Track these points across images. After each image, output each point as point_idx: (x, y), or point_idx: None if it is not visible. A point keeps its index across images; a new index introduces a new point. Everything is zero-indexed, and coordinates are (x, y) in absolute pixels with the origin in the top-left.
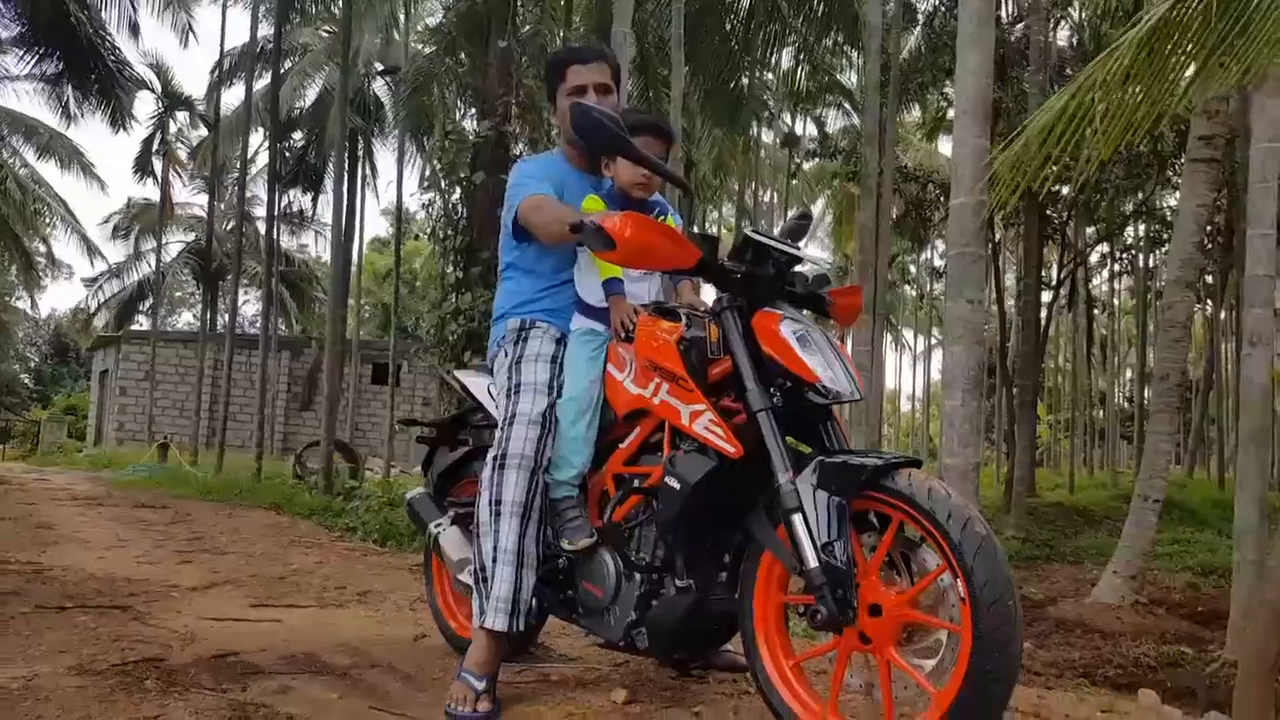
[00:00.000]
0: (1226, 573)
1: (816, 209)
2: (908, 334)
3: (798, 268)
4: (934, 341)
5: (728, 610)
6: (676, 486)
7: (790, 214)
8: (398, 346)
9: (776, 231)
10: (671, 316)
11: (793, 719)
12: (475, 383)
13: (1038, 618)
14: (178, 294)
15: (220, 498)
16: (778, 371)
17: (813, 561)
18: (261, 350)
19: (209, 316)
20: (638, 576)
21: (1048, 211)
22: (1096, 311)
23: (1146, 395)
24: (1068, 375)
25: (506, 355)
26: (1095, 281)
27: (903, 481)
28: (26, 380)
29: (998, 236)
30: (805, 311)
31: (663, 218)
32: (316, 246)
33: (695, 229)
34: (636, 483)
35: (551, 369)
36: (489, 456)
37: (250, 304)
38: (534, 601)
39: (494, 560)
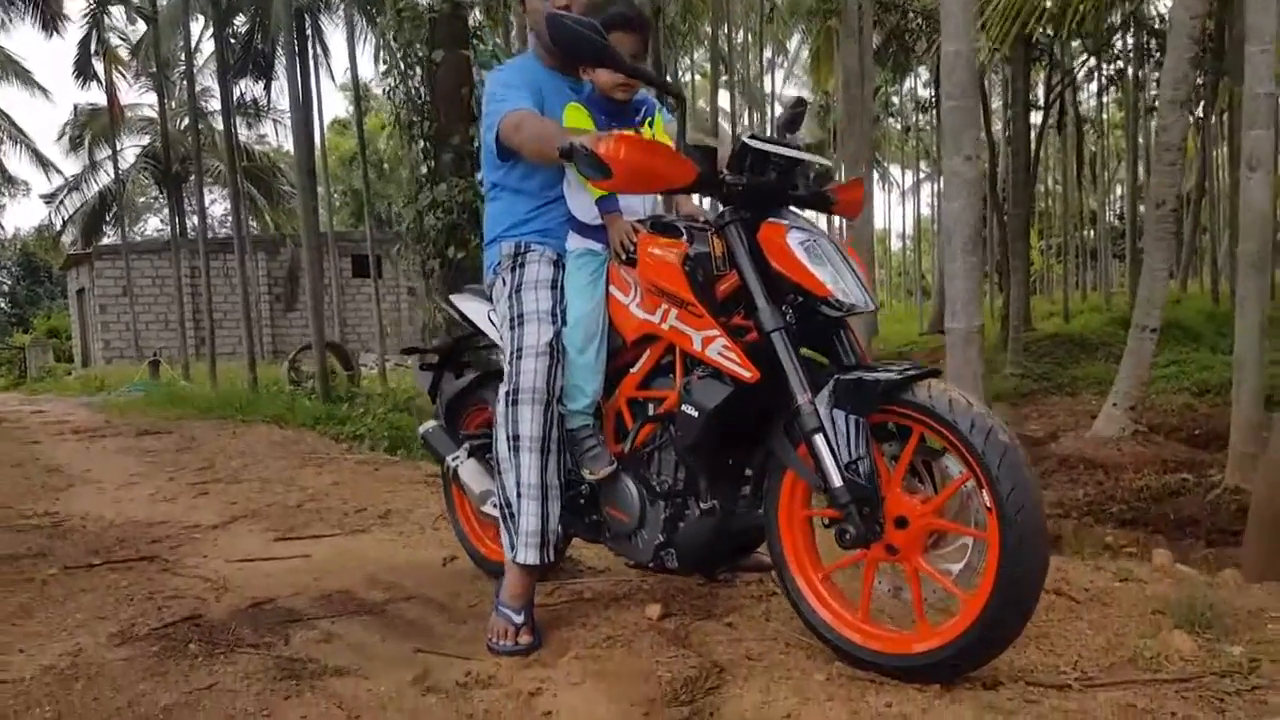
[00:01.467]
0: (1222, 391)
1: (792, 45)
2: (895, 170)
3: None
4: (922, 176)
5: (754, 524)
6: (694, 414)
7: (785, 100)
8: (375, 236)
9: (773, 121)
10: (671, 232)
11: (827, 629)
12: (474, 309)
13: (1040, 456)
14: (140, 200)
15: (221, 415)
16: (788, 286)
17: (837, 480)
18: (238, 253)
19: (176, 222)
20: (662, 500)
21: (1034, 39)
22: (1085, 128)
23: (1139, 212)
24: (1058, 197)
25: (505, 284)
26: (1082, 97)
27: (923, 394)
28: (2, 305)
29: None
30: (809, 213)
31: (650, 118)
32: (277, 136)
33: (669, 77)
34: (652, 408)
35: (553, 295)
36: (501, 392)
37: (218, 204)
38: (561, 529)
39: (518, 495)
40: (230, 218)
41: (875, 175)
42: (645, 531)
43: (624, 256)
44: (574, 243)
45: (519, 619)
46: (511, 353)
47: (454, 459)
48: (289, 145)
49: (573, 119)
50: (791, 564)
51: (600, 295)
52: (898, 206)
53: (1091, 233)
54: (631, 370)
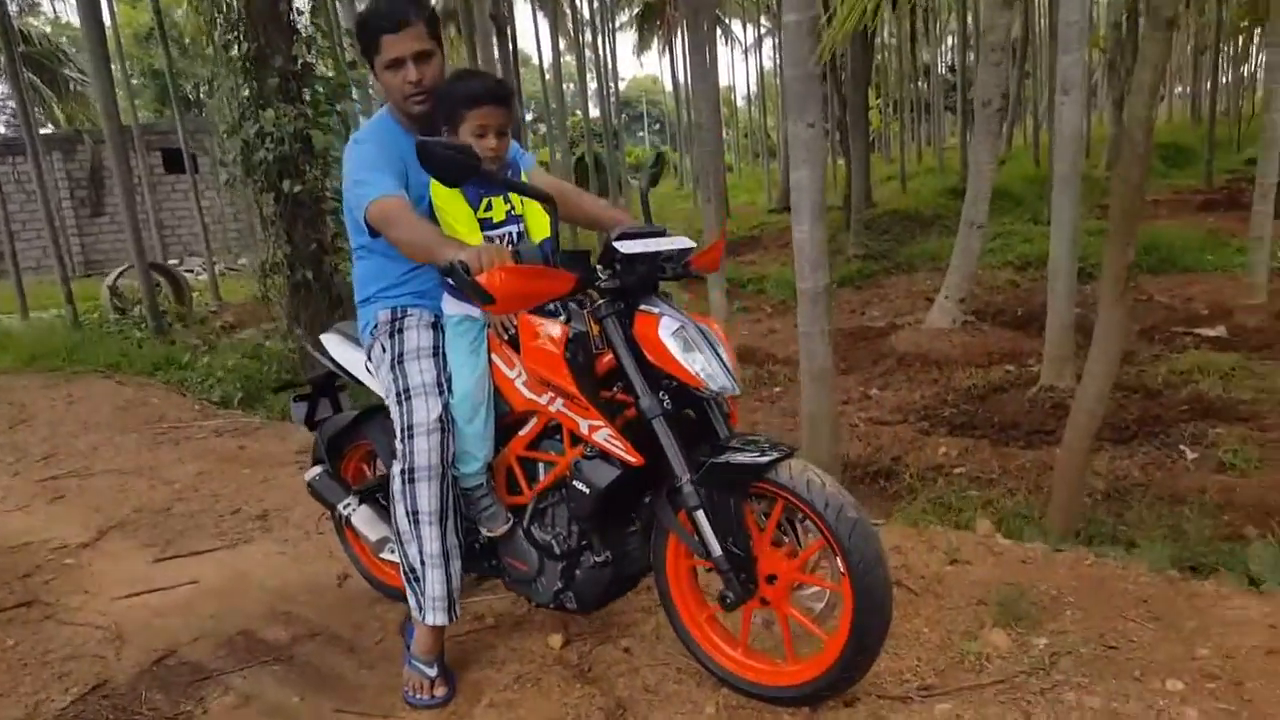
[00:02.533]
0: (1041, 264)
1: None
2: (736, 26)
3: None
4: (763, 30)
5: (644, 563)
6: (586, 491)
7: (645, 161)
8: (187, 126)
9: (638, 184)
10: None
11: (714, 665)
12: (348, 357)
13: (881, 353)
14: None
15: (46, 366)
16: (664, 374)
17: (717, 550)
18: (30, 155)
19: None
20: (558, 554)
21: None
22: None
23: (968, 62)
24: (892, 50)
25: (385, 350)
26: None
27: (785, 475)
28: None
29: None
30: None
31: (519, 174)
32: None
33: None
34: (541, 470)
35: (436, 363)
36: (395, 469)
37: None
38: (462, 577)
39: (422, 564)
40: (19, 115)
41: (718, 31)
42: (544, 579)
43: (504, 337)
44: (450, 307)
45: (432, 672)
46: (402, 429)
47: (345, 507)
48: (71, 19)
49: (443, 194)
50: (680, 610)
51: (483, 364)
52: (741, 64)
53: (925, 85)
54: (520, 433)
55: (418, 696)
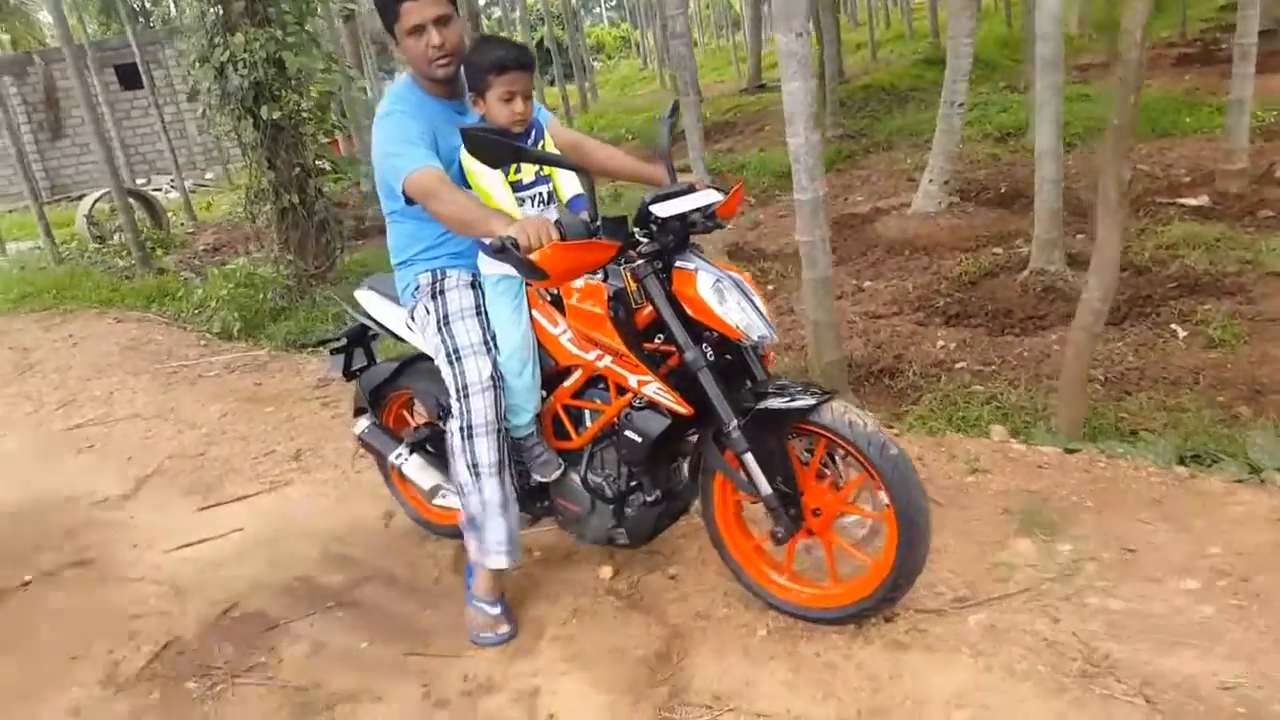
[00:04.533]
0: (1019, 134)
1: None
2: None
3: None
4: None
5: (689, 496)
6: (638, 440)
7: (662, 111)
8: (139, 39)
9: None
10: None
11: (763, 590)
12: (385, 313)
13: (869, 242)
14: None
15: (39, 305)
16: (705, 326)
17: (767, 489)
18: None
19: None
20: (609, 494)
21: None
22: None
23: None
24: None
25: (429, 312)
26: None
27: (827, 416)
28: None
29: None
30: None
31: (540, 139)
32: None
33: None
34: (589, 417)
35: (480, 322)
36: (454, 426)
37: None
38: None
39: (484, 512)
40: None
41: None
42: (596, 518)
43: (546, 297)
44: (487, 267)
45: (495, 610)
46: (457, 389)
47: (398, 457)
48: None
49: (474, 161)
50: (729, 543)
51: (526, 322)
52: None
53: None
54: (564, 384)
55: (484, 635)
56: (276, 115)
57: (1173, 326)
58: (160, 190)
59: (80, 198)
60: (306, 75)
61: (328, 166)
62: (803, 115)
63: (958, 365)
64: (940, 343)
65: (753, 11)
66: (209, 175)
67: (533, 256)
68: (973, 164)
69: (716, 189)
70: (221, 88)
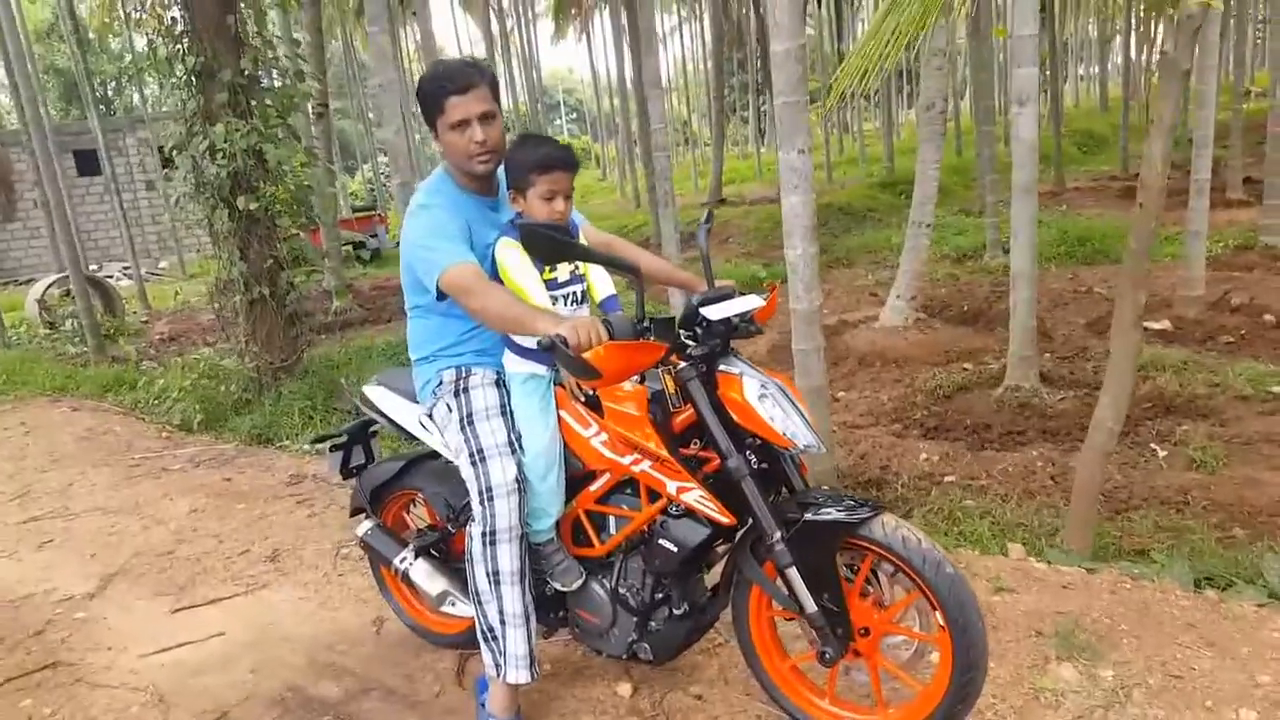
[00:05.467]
0: (977, 255)
1: None
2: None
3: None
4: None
5: (717, 611)
6: (674, 549)
7: (701, 221)
8: (101, 125)
9: (699, 232)
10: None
11: (802, 715)
12: (398, 409)
13: (840, 354)
14: None
15: None
16: (748, 433)
17: (812, 607)
18: None
19: None
20: (634, 607)
21: None
22: None
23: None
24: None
25: (451, 410)
26: None
27: (879, 531)
28: None
29: None
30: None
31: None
32: None
33: None
34: (614, 525)
35: (506, 422)
36: (475, 531)
37: None
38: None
39: (503, 624)
40: None
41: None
42: (617, 630)
43: (581, 397)
44: (514, 365)
45: None
46: (480, 491)
47: (402, 562)
48: None
49: (511, 258)
50: (763, 659)
51: (553, 423)
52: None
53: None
54: (590, 488)
55: None
56: (254, 206)
57: (1153, 446)
58: (112, 278)
59: (29, 281)
60: (285, 167)
61: (302, 259)
62: (801, 229)
63: (946, 478)
64: (924, 455)
65: (717, 130)
66: (163, 264)
67: (586, 355)
68: (933, 283)
69: (756, 294)
70: (197, 177)
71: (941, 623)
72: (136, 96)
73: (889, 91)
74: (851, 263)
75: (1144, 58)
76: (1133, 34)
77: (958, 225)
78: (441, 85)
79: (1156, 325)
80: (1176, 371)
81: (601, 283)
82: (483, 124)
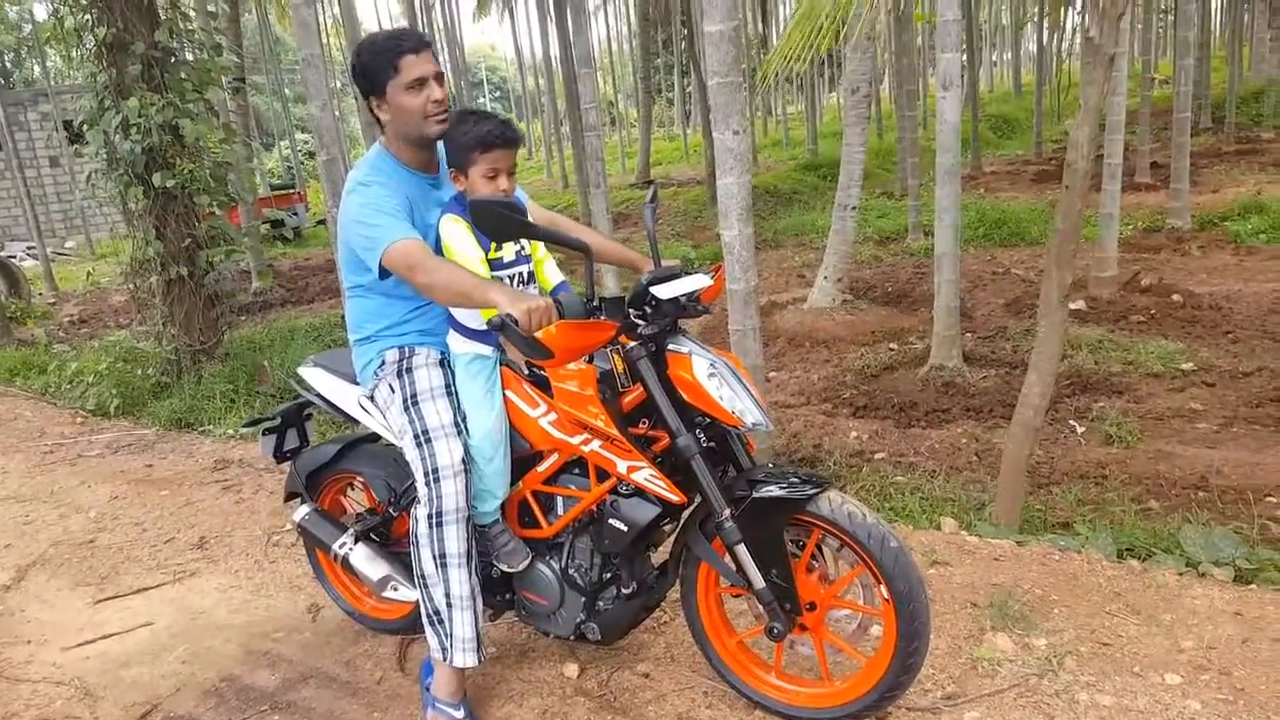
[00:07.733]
0: (899, 238)
1: None
2: None
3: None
4: None
5: (664, 590)
6: (623, 528)
7: (646, 199)
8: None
9: (645, 211)
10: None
11: (749, 689)
12: (337, 390)
13: (769, 335)
14: None
15: None
16: (697, 411)
17: (760, 583)
18: None
19: None
20: (582, 587)
21: None
22: None
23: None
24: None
25: (394, 391)
26: None
27: (825, 507)
28: None
29: None
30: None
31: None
32: None
33: None
34: (561, 504)
35: (450, 403)
36: (420, 513)
37: None
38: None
39: (449, 606)
40: None
41: None
42: (565, 611)
43: (526, 375)
44: (459, 345)
45: (459, 713)
46: (426, 473)
47: (341, 547)
48: None
49: (456, 234)
50: (712, 638)
51: (499, 404)
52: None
53: (760, 55)
54: (537, 469)
55: None
56: (170, 183)
57: (1071, 423)
58: (14, 258)
59: None
60: (202, 144)
61: (221, 238)
62: (737, 209)
63: (876, 456)
64: (853, 433)
65: (644, 111)
66: (69, 244)
67: (538, 334)
68: (858, 264)
69: (703, 273)
70: (110, 153)
71: (886, 596)
72: (38, 69)
73: (812, 75)
74: (779, 244)
75: (1056, 44)
76: (1044, 20)
77: (880, 208)
78: (398, 43)
79: (1073, 305)
80: (1092, 350)
81: (553, 275)
82: (437, 83)
